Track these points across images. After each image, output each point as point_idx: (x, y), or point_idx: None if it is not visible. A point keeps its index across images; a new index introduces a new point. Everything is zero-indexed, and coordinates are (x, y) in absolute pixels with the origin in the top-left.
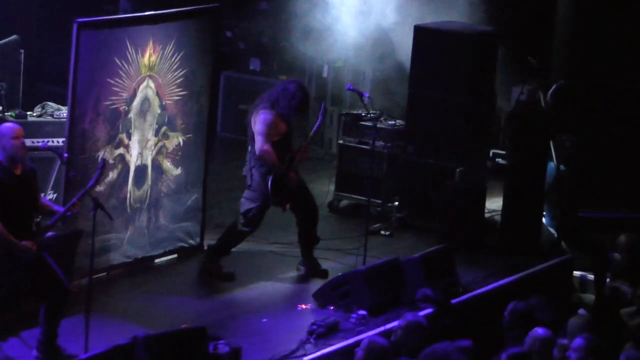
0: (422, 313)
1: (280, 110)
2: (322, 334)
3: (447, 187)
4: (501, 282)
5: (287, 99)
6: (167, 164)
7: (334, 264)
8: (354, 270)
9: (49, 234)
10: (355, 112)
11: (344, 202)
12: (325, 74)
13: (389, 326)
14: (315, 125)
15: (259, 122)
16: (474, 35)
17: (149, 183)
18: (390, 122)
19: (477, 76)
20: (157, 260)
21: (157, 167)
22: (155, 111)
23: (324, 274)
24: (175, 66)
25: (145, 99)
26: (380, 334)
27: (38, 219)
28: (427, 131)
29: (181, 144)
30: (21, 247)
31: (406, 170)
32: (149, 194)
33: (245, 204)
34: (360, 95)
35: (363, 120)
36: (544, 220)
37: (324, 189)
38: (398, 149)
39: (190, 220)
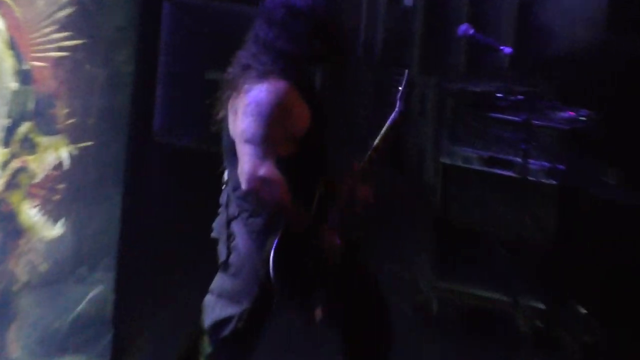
0: None
1: (289, 70)
2: None
3: None
4: None
5: (294, 33)
6: (29, 214)
7: None
8: None
9: None
10: (478, 88)
11: (453, 299)
12: (408, 1)
13: None
14: (390, 118)
15: (246, 113)
16: None
17: None
18: (560, 114)
19: None
20: None
21: (7, 221)
22: (4, 85)
23: None
24: None
25: None
26: None
27: None
28: None
29: (66, 164)
30: None
31: (604, 224)
32: None
33: (217, 308)
34: (492, 49)
35: (497, 108)
36: None
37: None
38: (583, 175)
39: (85, 347)
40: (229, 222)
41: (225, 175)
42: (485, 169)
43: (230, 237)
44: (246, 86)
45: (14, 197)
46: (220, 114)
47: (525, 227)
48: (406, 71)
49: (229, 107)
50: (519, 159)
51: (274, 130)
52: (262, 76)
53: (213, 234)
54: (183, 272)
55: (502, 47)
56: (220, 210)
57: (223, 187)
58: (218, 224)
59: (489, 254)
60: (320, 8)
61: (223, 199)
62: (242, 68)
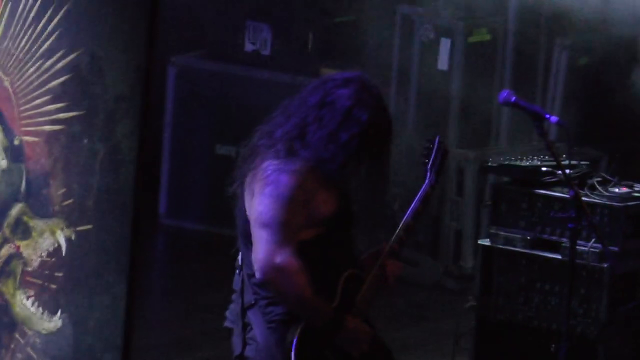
0: None
1: (318, 159)
2: None
3: None
4: None
5: (333, 129)
6: (24, 305)
7: None
8: None
9: None
10: (521, 162)
11: None
12: (442, 65)
13: None
14: (420, 192)
15: (264, 193)
16: None
17: None
18: (613, 190)
19: None
20: None
21: (0, 313)
22: None
23: None
24: (48, 42)
25: None
26: None
27: None
28: None
29: (63, 249)
30: None
31: None
32: None
33: None
34: (537, 117)
35: (542, 184)
36: None
37: None
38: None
39: None
40: (244, 311)
41: (239, 259)
42: (530, 251)
43: (246, 327)
44: (267, 164)
45: (7, 287)
46: (234, 192)
47: (574, 316)
48: (437, 138)
49: (245, 185)
50: (566, 240)
51: (294, 216)
52: (287, 155)
53: (226, 324)
54: None
55: (548, 116)
56: (234, 297)
57: (237, 272)
58: (232, 312)
59: (534, 348)
60: (379, 121)
61: (237, 284)
62: (265, 144)
